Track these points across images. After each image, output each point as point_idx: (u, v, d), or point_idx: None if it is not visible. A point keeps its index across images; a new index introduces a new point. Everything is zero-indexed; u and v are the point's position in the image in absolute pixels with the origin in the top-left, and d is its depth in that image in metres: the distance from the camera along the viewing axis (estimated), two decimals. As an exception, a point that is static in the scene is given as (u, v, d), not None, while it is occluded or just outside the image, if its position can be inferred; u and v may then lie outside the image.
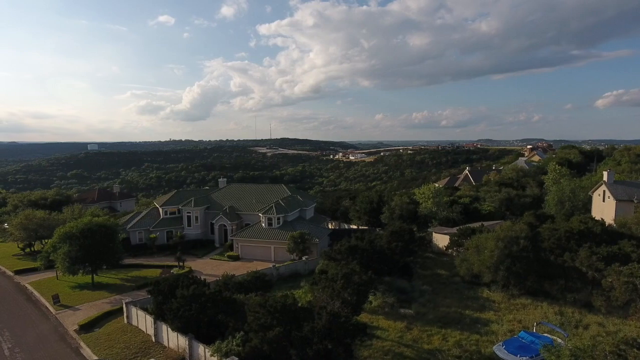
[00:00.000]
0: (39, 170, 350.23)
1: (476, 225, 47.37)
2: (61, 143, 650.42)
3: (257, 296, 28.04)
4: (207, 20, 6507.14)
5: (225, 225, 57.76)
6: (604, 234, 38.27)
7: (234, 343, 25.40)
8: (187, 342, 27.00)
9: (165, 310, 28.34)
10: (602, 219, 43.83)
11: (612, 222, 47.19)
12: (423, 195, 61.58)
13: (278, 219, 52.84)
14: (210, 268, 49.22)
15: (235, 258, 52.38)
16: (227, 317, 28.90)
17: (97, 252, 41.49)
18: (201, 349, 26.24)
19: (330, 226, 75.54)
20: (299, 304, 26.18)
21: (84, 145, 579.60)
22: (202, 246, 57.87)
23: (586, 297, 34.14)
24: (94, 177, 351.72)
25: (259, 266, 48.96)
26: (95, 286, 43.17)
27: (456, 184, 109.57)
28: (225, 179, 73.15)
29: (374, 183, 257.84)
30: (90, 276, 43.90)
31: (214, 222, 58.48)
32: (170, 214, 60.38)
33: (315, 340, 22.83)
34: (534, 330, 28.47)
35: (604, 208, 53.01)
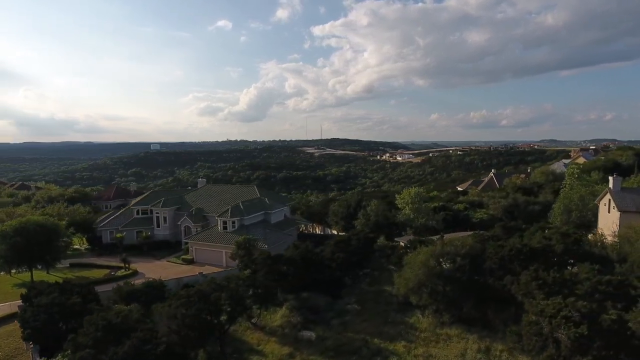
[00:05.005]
0: (103, 168, 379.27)
1: (435, 237, 41.43)
2: (131, 143, 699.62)
3: (94, 310, 25.54)
4: (262, 23, 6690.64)
5: (190, 227, 56.40)
6: (566, 253, 31.20)
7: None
8: (31, 353, 25.36)
9: (22, 319, 26.91)
10: (577, 233, 35.92)
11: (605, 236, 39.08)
12: (403, 200, 55.89)
13: (233, 222, 50.33)
14: (158, 271, 47.77)
15: (190, 261, 50.71)
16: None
17: (31, 251, 41.50)
18: (41, 362, 24.46)
19: (317, 231, 71.93)
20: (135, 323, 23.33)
21: (149, 145, 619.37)
22: (168, 247, 56.98)
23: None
24: (150, 175, 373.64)
25: (209, 270, 47.05)
26: (46, 284, 43.37)
27: (479, 188, 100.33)
28: (204, 179, 72.16)
29: (416, 184, 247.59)
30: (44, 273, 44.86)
31: (179, 223, 57.41)
32: (142, 213, 60.26)
33: (116, 368, 19.93)
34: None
35: (608, 220, 44.44)
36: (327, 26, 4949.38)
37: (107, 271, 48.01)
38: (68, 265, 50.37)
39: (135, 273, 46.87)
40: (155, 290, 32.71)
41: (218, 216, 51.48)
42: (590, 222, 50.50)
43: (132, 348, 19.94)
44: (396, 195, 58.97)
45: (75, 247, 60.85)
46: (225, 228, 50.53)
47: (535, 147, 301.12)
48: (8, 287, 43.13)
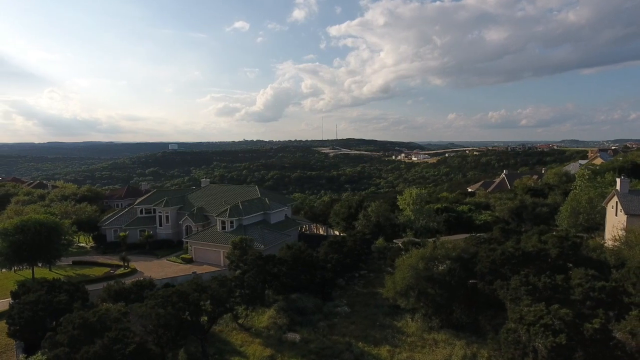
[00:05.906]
0: (122, 168, 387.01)
1: (430, 239, 40.53)
2: (149, 143, 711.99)
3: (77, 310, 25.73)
4: (279, 24, 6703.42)
5: (191, 227, 56.78)
6: (561, 258, 30.01)
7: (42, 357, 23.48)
8: (15, 350, 25.77)
9: (8, 316, 27.37)
10: (577, 237, 34.52)
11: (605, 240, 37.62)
12: (404, 201, 55.01)
13: (231, 222, 50.39)
14: (156, 269, 48.23)
15: (189, 261, 51.00)
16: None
17: (31, 249, 42.31)
18: (20, 358, 24.83)
19: (320, 232, 71.51)
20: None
21: (168, 145, 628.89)
22: (170, 246, 57.45)
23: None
24: (167, 174, 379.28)
25: (207, 270, 47.22)
26: (35, 282, 44.34)
27: (490, 189, 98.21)
28: (208, 179, 72.52)
29: (430, 185, 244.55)
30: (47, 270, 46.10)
31: (181, 222, 57.87)
32: (146, 212, 60.94)
33: (86, 368, 20.00)
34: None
35: (615, 223, 42.76)
36: (343, 26, 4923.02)
37: (107, 269, 48.68)
38: (71, 263, 51.33)
39: (134, 271, 47.39)
40: (144, 290, 32.85)
41: (217, 216, 51.67)
42: (598, 225, 48.77)
43: (102, 347, 19.99)
44: (397, 196, 58.07)
45: (81, 244, 62.15)
46: (223, 228, 50.63)
47: (555, 147, 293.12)
48: (10, 284, 43.95)
